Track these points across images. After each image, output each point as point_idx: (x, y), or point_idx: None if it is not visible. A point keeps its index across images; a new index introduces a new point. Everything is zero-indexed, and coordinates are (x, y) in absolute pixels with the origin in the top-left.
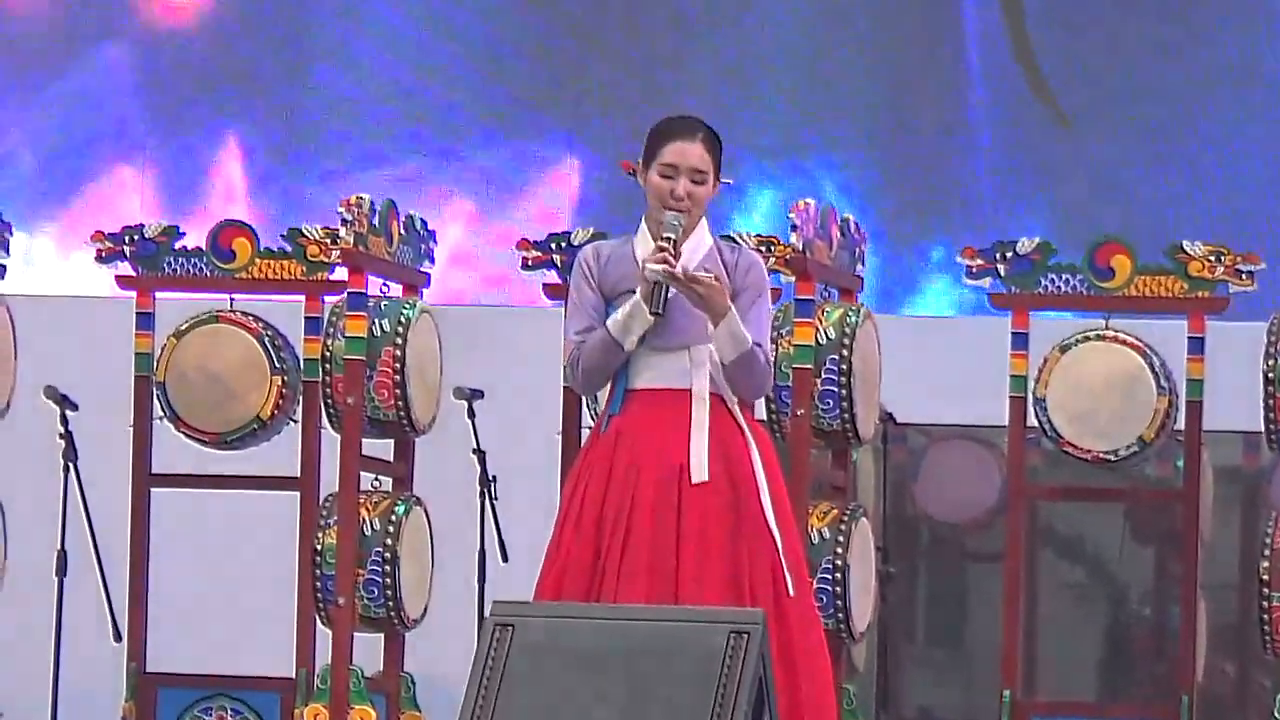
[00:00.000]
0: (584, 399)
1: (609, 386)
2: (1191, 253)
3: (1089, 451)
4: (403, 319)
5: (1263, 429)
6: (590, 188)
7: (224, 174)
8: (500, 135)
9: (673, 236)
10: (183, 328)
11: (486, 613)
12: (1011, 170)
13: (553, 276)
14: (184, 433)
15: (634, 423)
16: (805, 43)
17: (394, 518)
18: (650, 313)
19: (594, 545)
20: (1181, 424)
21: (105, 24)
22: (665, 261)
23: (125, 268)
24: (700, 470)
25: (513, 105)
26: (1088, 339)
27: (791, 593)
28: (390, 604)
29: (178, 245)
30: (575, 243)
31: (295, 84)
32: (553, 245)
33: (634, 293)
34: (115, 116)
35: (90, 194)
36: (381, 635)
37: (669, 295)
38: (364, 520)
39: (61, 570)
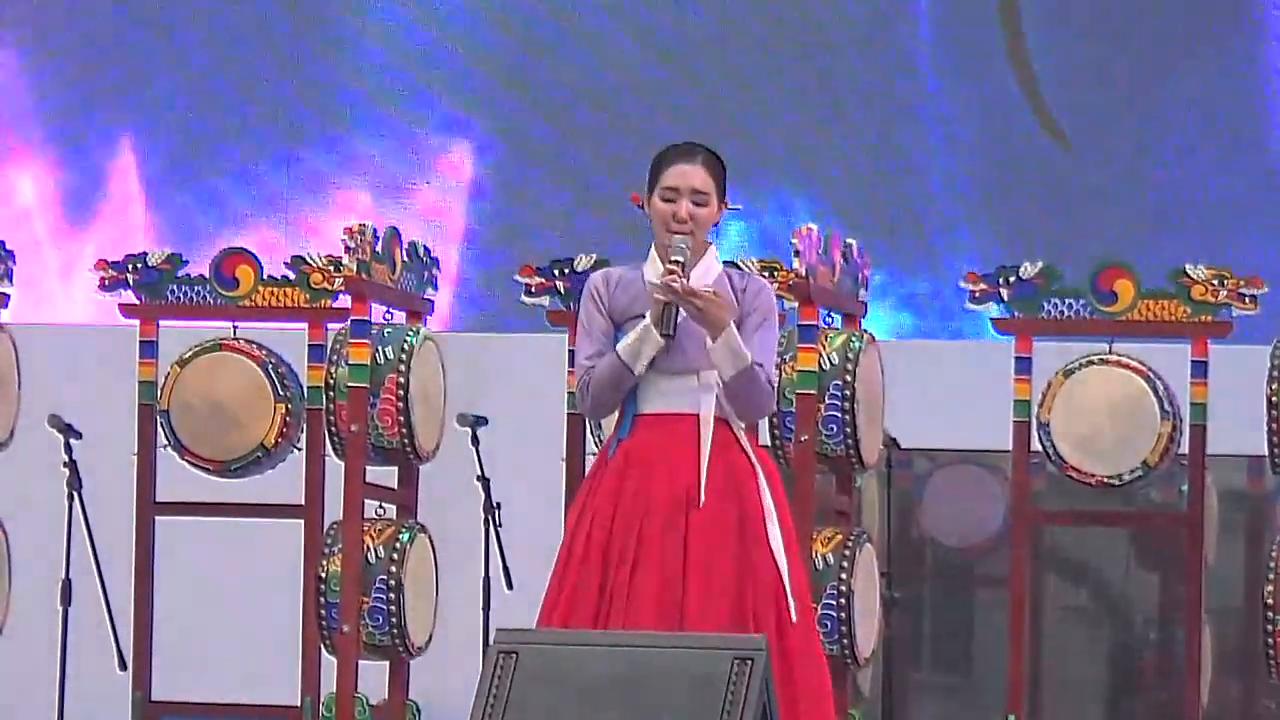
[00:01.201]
0: (588, 425)
1: (617, 411)
2: (1194, 276)
3: (1093, 476)
4: (406, 346)
5: (1267, 453)
6: (484, 176)
7: (120, 178)
8: (391, 125)
9: (681, 260)
10: (186, 356)
11: (491, 640)
12: (955, 196)
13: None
14: (188, 461)
15: (642, 447)
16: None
17: (398, 545)
18: (660, 334)
19: (601, 571)
20: (1185, 448)
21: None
22: (670, 277)
23: (129, 296)
24: (703, 494)
25: (402, 93)
26: (1091, 363)
27: (794, 619)
28: (395, 631)
29: (181, 273)
30: (579, 269)
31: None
32: (555, 271)
33: (644, 317)
34: (7, 120)
35: None
36: (386, 663)
37: (679, 318)
38: (368, 548)
39: (66, 599)
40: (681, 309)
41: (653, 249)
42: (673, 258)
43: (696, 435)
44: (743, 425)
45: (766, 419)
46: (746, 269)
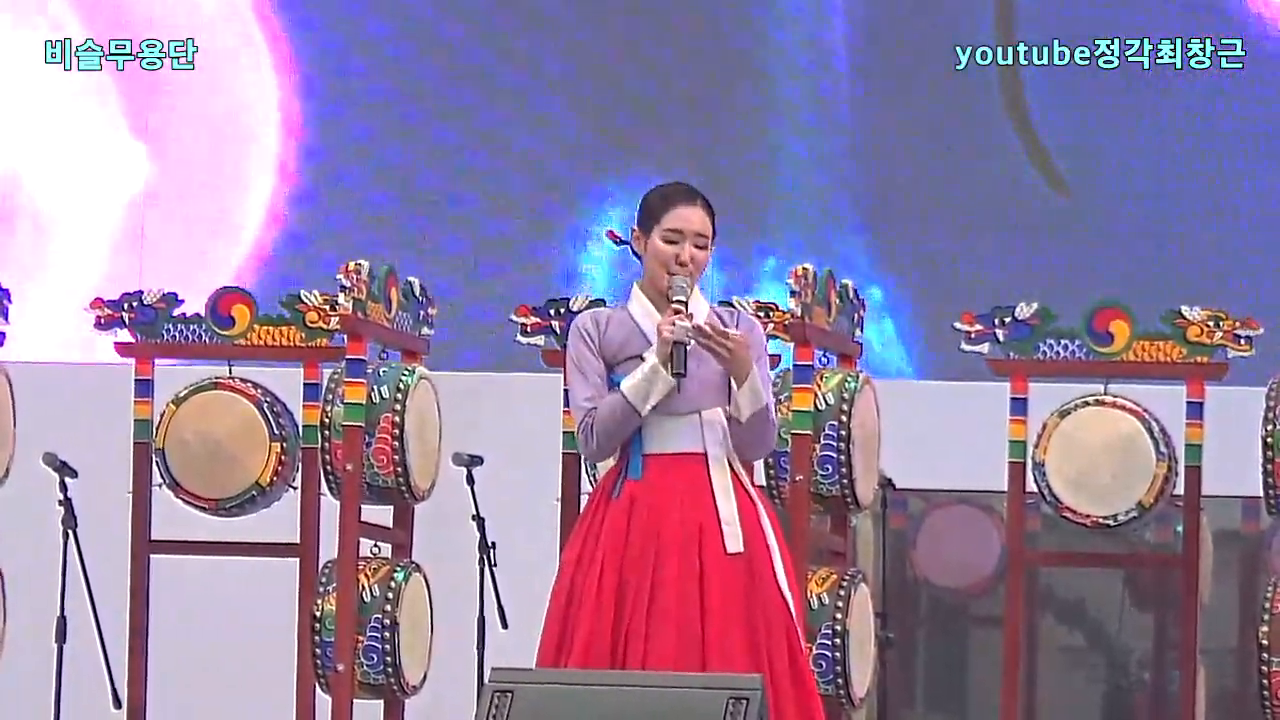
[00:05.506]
0: (584, 464)
1: (617, 452)
2: (1190, 318)
3: (1088, 516)
4: (402, 385)
5: (1261, 494)
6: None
7: None
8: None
9: (684, 299)
10: (182, 394)
11: (486, 679)
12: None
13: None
14: (183, 499)
15: (651, 488)
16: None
17: (393, 584)
18: (672, 374)
19: (614, 614)
20: (1180, 489)
21: None
22: (689, 321)
23: (124, 334)
24: (735, 540)
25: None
26: (1086, 404)
27: (804, 647)
28: (389, 671)
29: (176, 312)
30: (574, 309)
31: None
32: (551, 311)
33: (639, 358)
34: None
35: None
36: (381, 702)
37: (688, 356)
38: (363, 587)
39: (61, 637)
40: (699, 346)
41: (636, 287)
42: (675, 298)
43: (705, 474)
44: (740, 463)
45: (762, 458)
46: (740, 308)
